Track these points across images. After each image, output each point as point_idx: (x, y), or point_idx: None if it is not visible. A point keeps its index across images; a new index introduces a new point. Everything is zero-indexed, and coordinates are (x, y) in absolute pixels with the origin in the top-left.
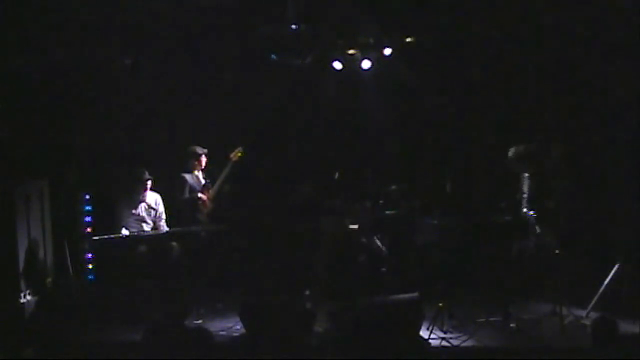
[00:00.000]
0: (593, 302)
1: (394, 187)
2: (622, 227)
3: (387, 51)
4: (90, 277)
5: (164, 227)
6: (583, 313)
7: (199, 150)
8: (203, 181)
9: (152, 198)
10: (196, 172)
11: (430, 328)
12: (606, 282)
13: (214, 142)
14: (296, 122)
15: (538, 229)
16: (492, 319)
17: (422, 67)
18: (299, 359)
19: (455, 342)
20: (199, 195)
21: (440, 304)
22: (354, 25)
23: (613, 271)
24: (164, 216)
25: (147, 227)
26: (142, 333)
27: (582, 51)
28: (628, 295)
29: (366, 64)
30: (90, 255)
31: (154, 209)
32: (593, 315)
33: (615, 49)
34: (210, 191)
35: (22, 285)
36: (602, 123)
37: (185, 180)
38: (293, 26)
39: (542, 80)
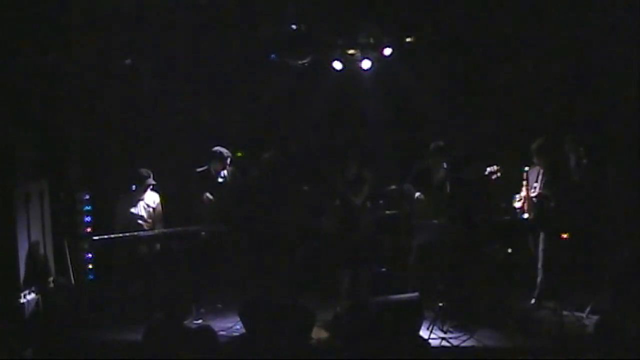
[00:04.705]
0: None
1: (394, 187)
2: (624, 223)
3: (387, 51)
4: (90, 277)
5: (161, 227)
6: (584, 312)
7: (225, 153)
8: (220, 180)
9: (151, 198)
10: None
11: (430, 328)
12: (609, 278)
13: (214, 141)
14: (296, 122)
15: None
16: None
17: (422, 67)
18: (299, 359)
19: (455, 342)
20: (207, 195)
21: (440, 304)
22: (354, 25)
23: (616, 266)
24: (161, 216)
25: (145, 226)
26: (142, 333)
27: (583, 50)
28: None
29: (366, 64)
30: (90, 255)
31: (152, 208)
32: (594, 314)
33: (619, 48)
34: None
35: (22, 285)
36: (602, 120)
37: (199, 178)
38: (293, 26)
39: (543, 79)
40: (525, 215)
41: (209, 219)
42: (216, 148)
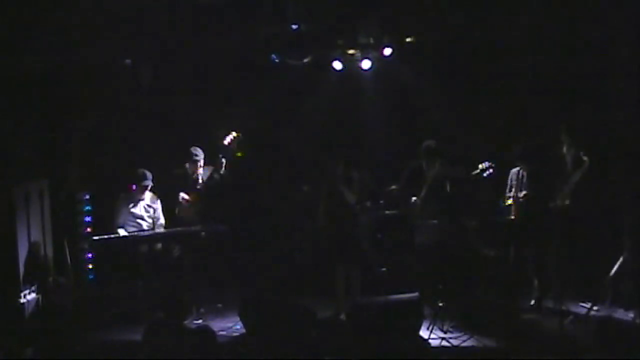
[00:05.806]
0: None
1: (394, 187)
2: (626, 220)
3: (387, 51)
4: (90, 277)
5: (161, 227)
6: (584, 310)
7: (195, 154)
8: (200, 179)
9: (151, 198)
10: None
11: (430, 328)
12: (610, 276)
13: (214, 142)
14: (296, 122)
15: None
16: None
17: (422, 67)
18: (299, 359)
19: (455, 342)
20: (182, 195)
21: (440, 304)
22: (354, 25)
23: (617, 265)
24: (161, 215)
25: (145, 226)
26: (142, 333)
27: (583, 50)
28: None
29: (366, 64)
30: (90, 255)
31: (152, 208)
32: (595, 313)
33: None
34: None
35: (22, 285)
36: (602, 118)
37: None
38: (293, 26)
39: (543, 79)
40: (512, 217)
41: (187, 218)
42: (191, 148)
